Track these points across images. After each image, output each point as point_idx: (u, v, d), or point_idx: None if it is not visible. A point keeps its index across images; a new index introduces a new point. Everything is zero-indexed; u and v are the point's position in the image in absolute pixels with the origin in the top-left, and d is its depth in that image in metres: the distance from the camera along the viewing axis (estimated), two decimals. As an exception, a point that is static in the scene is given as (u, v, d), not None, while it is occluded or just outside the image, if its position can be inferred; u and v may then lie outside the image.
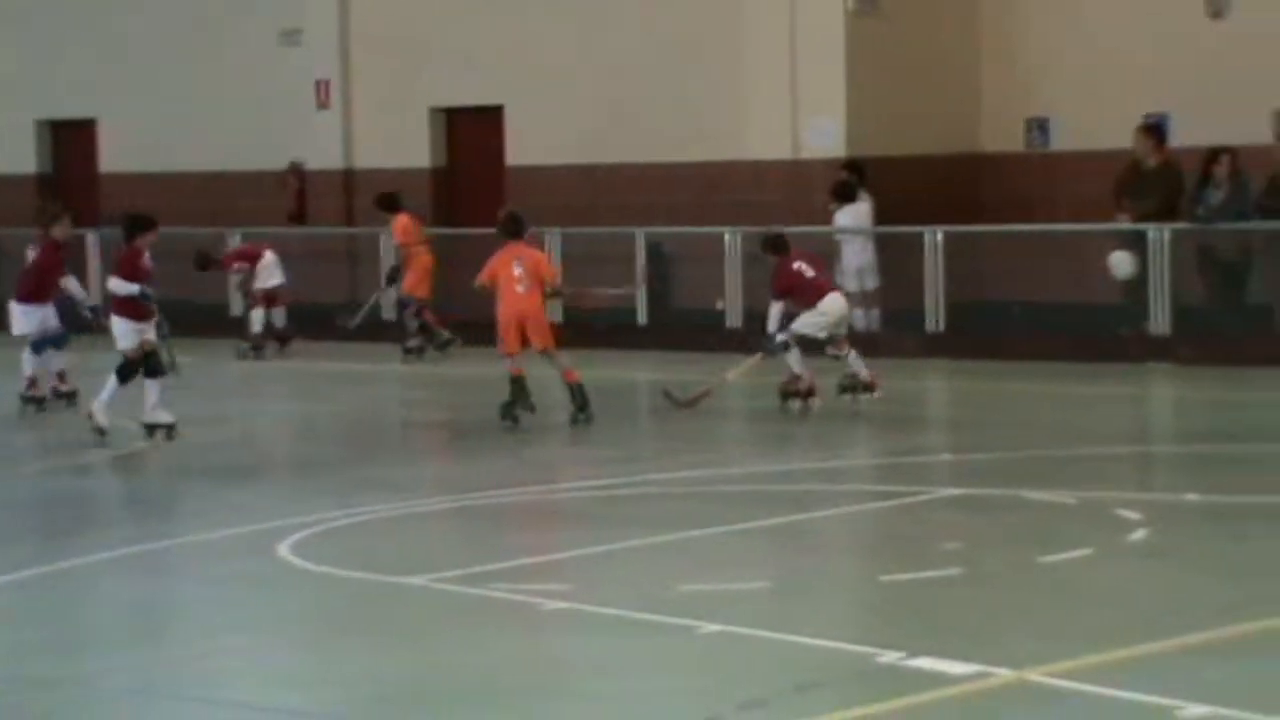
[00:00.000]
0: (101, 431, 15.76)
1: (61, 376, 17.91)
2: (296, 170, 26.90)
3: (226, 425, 17.40)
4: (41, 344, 17.59)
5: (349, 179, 26.69)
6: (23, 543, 12.07)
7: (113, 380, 15.78)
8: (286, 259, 23.41)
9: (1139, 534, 11.32)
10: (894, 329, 21.61)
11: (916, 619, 9.49)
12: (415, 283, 22.18)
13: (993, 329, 21.45)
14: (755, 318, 22.20)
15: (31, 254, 18.17)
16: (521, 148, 25.34)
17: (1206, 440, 15.46)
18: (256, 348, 22.58)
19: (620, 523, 12.18)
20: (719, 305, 22.47)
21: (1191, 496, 12.63)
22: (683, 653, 8.94)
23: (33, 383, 17.78)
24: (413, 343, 22.00)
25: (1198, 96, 21.85)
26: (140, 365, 15.75)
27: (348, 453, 15.59)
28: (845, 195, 21.62)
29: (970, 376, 19.73)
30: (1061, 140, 23.21)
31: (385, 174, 26.07)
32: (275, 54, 26.85)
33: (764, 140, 23.28)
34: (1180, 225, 20.33)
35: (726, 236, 22.51)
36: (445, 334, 22.07)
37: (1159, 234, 20.21)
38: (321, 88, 26.76)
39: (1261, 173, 20.27)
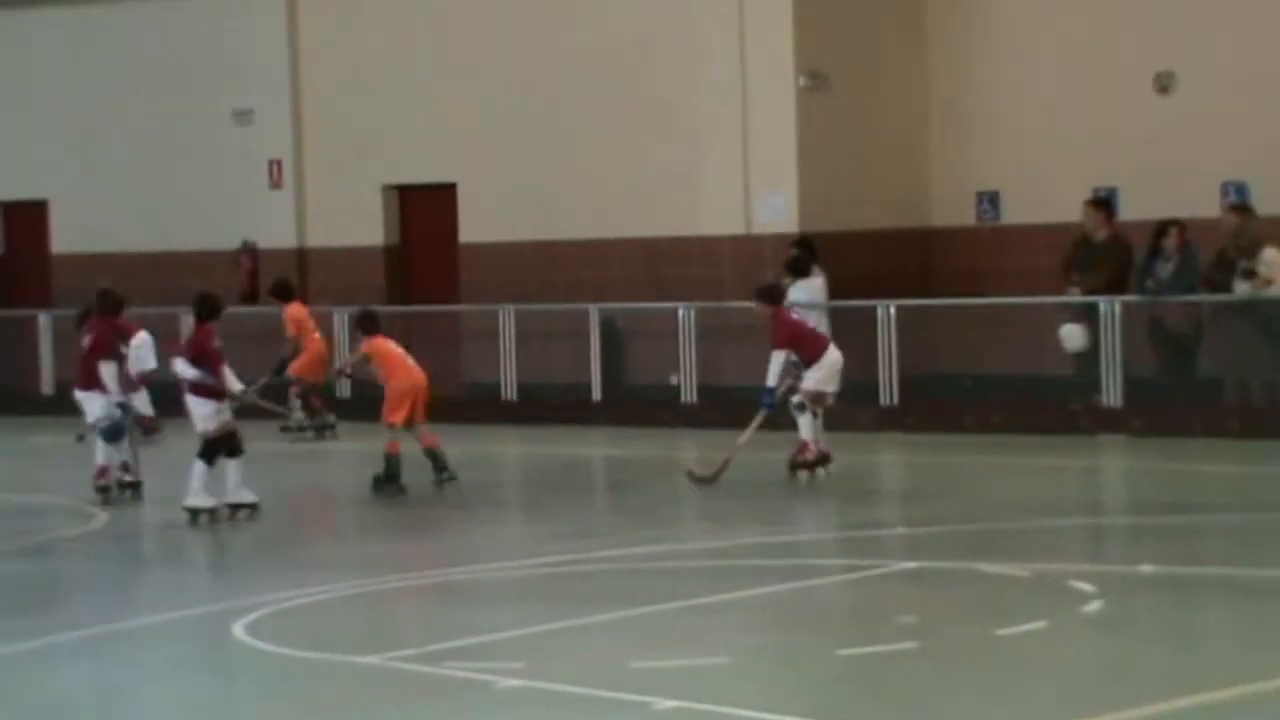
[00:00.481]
0: (212, 512, 15.57)
1: (126, 467, 17.30)
2: (249, 250, 26.86)
3: (171, 506, 17.16)
4: (110, 431, 17.02)
5: (302, 257, 26.66)
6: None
7: (199, 465, 15.59)
8: (239, 338, 23.27)
9: (1093, 605, 11.33)
10: (847, 402, 21.60)
11: (874, 693, 9.47)
12: (305, 366, 21.98)
13: (945, 402, 21.51)
14: (709, 392, 22.30)
15: (86, 340, 17.37)
16: (474, 224, 25.36)
17: (1159, 511, 15.49)
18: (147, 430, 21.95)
19: (574, 599, 12.13)
20: (673, 380, 22.49)
21: (1145, 568, 12.64)
22: (638, 729, 8.89)
23: (102, 471, 17.13)
24: (290, 422, 21.64)
25: (1145, 170, 22.00)
26: (223, 445, 15.61)
27: (296, 532, 15.50)
28: (799, 270, 21.70)
29: (923, 449, 19.75)
30: (1011, 214, 23.34)
31: (338, 252, 26.07)
32: (227, 134, 26.84)
33: (716, 215, 23.35)
34: (1130, 298, 20.44)
35: (680, 311, 22.53)
36: (330, 418, 21.93)
37: (1109, 306, 20.31)
38: (273, 167, 26.76)
39: (1209, 245, 20.41)
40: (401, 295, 25.76)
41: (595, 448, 20.73)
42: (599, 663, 10.19)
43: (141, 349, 22.01)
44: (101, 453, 17.07)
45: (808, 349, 16.97)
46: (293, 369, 22.01)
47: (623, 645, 10.61)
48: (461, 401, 23.85)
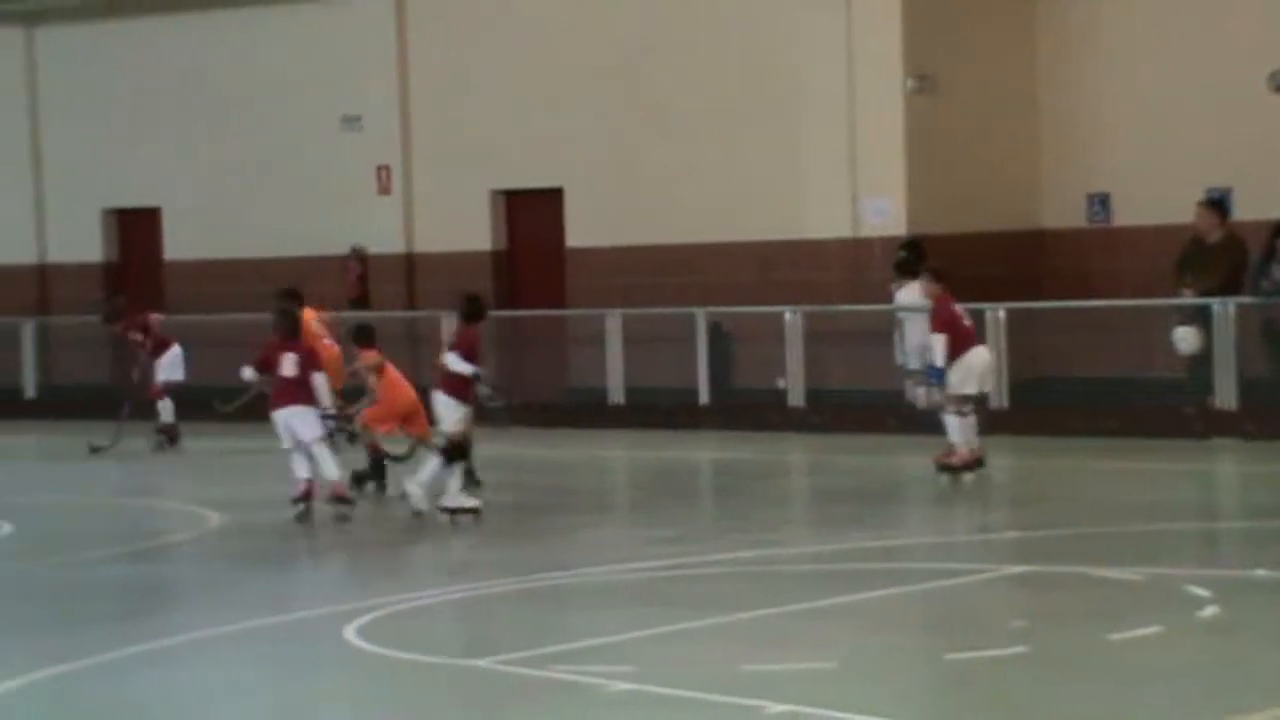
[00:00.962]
0: (475, 511, 15.58)
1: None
2: (358, 255, 27.04)
3: (271, 508, 17.24)
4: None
5: (410, 262, 26.81)
6: (92, 627, 12.10)
7: (435, 462, 15.60)
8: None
9: (1208, 611, 11.22)
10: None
11: (983, 698, 9.41)
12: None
13: (1055, 405, 21.35)
14: (816, 396, 22.24)
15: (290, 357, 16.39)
16: (581, 229, 25.43)
17: (1273, 516, 15.30)
18: (172, 439, 21.93)
19: (682, 603, 12.14)
20: (780, 384, 22.44)
21: (1260, 572, 12.50)
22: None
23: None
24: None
25: (1260, 170, 21.76)
26: (467, 447, 15.68)
27: (403, 536, 15.57)
28: (909, 271, 21.60)
29: (1033, 453, 19.61)
30: (1123, 215, 23.14)
31: (445, 257, 26.20)
32: (337, 140, 27.03)
33: (823, 219, 23.29)
34: (1244, 299, 20.23)
35: (786, 315, 22.49)
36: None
37: (1223, 308, 20.11)
38: (382, 172, 26.92)
39: (1325, 246, 20.17)
40: (508, 300, 25.85)
41: (702, 451, 20.73)
42: (709, 666, 10.19)
43: (174, 359, 22.04)
44: (327, 466, 16.06)
45: (955, 343, 16.88)
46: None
47: (732, 649, 10.60)
48: (567, 406, 23.94)
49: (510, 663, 10.38)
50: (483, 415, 17.04)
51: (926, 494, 16.78)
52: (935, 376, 17.01)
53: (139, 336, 22.29)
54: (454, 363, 15.68)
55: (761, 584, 12.73)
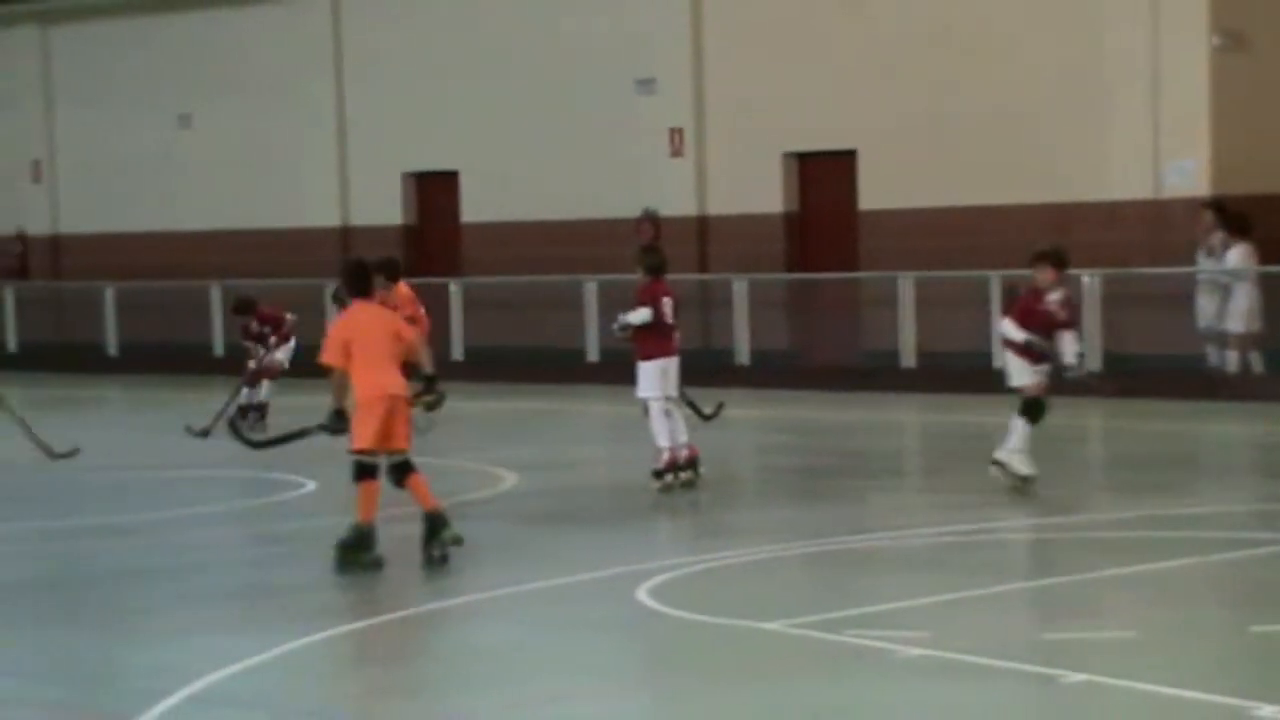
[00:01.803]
0: (1025, 480, 14.67)
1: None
2: (650, 217, 27.14)
3: (565, 470, 17.37)
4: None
5: (702, 225, 26.84)
6: (392, 583, 12.29)
7: (1019, 423, 14.76)
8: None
9: None
10: (1275, 372, 21.02)
11: (1291, 672, 9.11)
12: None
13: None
14: (1113, 360, 21.77)
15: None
16: (874, 192, 25.19)
17: None
18: (263, 415, 20.87)
19: (977, 569, 11.95)
20: (1072, 353, 21.96)
21: None
22: (1047, 703, 8.70)
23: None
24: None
25: None
26: (1042, 404, 14.82)
27: (695, 497, 15.56)
28: (1241, 229, 20.92)
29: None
30: None
31: (738, 219, 26.17)
32: (630, 103, 27.14)
33: (1123, 180, 22.79)
34: None
35: (1085, 279, 22.04)
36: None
37: None
38: (675, 135, 26.97)
39: None
40: (800, 263, 25.75)
41: (997, 416, 20.41)
42: (1004, 633, 10.01)
43: (289, 352, 21.43)
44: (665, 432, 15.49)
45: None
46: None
47: (1027, 616, 10.42)
48: (859, 369, 23.78)
49: (801, 626, 10.31)
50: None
51: (1230, 461, 16.31)
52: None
53: (263, 328, 21.34)
54: (1007, 329, 14.83)
55: (1057, 551, 12.50)
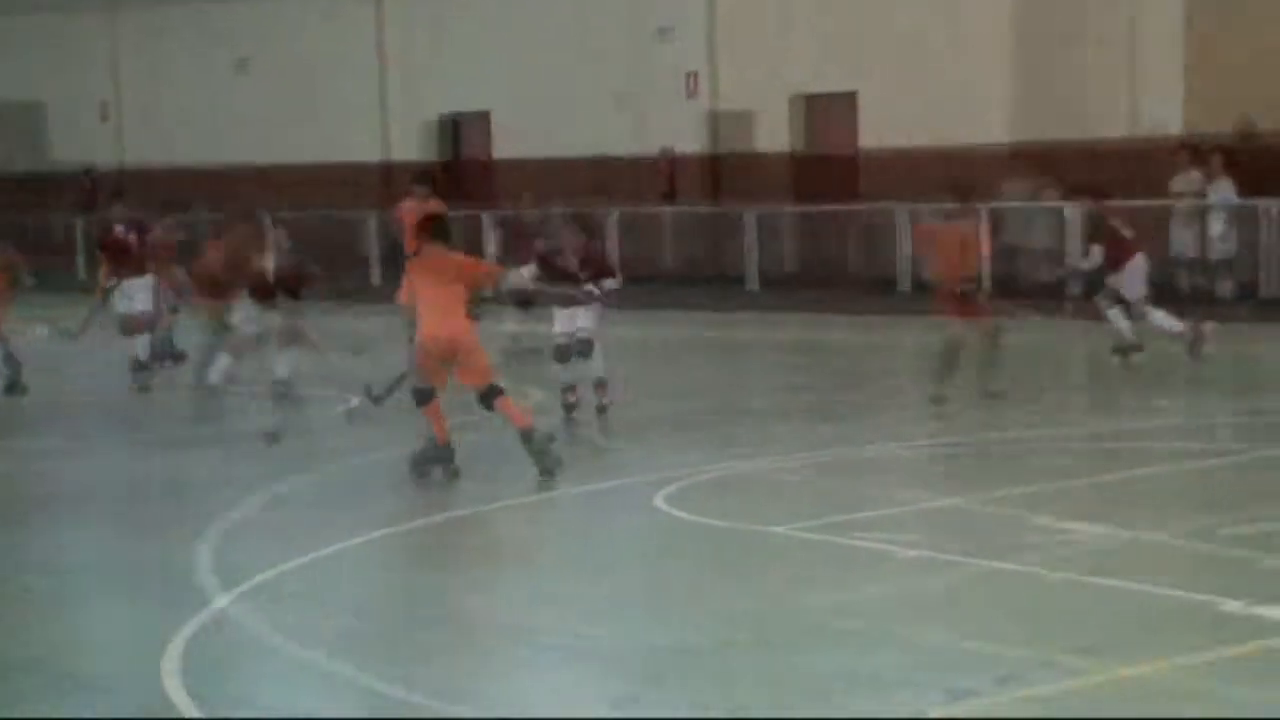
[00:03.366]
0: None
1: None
2: (668, 156, 27.13)
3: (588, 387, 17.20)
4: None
5: (714, 162, 26.79)
6: (422, 491, 12.29)
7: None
8: (652, 230, 23.40)
9: None
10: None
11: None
12: None
13: None
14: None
15: None
16: (872, 132, 25.05)
17: None
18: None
19: (968, 477, 11.94)
20: None
21: None
22: (1035, 598, 8.72)
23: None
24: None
25: None
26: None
27: (710, 416, 15.44)
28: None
29: None
30: None
31: (747, 157, 26.11)
32: (649, 49, 27.03)
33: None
34: None
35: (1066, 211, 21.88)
36: None
37: None
38: (690, 79, 26.88)
39: None
40: (806, 196, 25.70)
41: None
42: (993, 535, 10.02)
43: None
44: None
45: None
46: None
47: (1014, 519, 10.40)
48: (860, 293, 23.70)
49: (804, 529, 10.32)
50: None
51: (1208, 379, 16.24)
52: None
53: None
54: None
55: (1042, 460, 12.47)
